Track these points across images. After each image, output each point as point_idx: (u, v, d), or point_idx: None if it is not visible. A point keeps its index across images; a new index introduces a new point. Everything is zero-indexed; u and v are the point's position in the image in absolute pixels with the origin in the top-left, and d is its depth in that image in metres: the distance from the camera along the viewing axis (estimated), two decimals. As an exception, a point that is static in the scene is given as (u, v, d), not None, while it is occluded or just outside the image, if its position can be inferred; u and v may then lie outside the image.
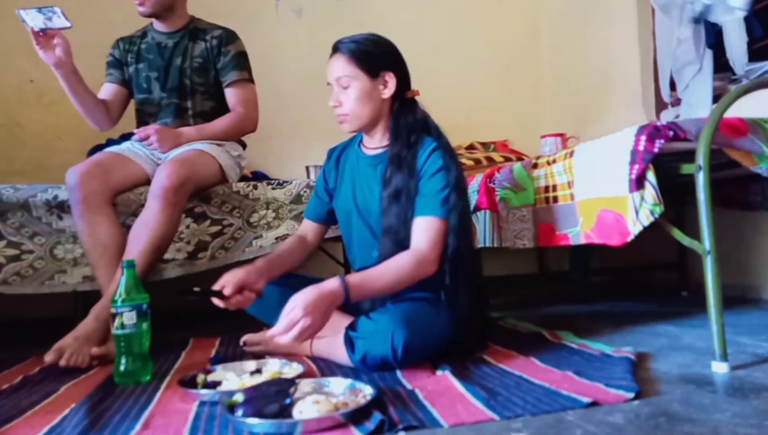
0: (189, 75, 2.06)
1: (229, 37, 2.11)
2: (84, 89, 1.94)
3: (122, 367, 1.32)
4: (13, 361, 1.59)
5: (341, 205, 1.58)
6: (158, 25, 2.10)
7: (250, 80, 2.12)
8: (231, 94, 2.09)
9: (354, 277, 1.29)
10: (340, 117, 1.48)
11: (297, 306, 1.19)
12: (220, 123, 2.04)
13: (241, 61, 2.10)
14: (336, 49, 1.46)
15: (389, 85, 1.45)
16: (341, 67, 1.44)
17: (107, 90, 2.10)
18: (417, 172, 1.41)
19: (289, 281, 1.51)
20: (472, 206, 1.98)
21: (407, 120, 1.46)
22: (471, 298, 1.47)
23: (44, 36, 1.75)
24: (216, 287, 1.35)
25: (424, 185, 1.39)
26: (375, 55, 1.45)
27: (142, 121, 2.10)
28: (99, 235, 1.74)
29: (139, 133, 1.93)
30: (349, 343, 1.28)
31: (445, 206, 1.36)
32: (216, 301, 1.36)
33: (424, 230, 1.35)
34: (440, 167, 1.39)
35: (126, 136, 2.16)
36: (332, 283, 1.25)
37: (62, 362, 1.45)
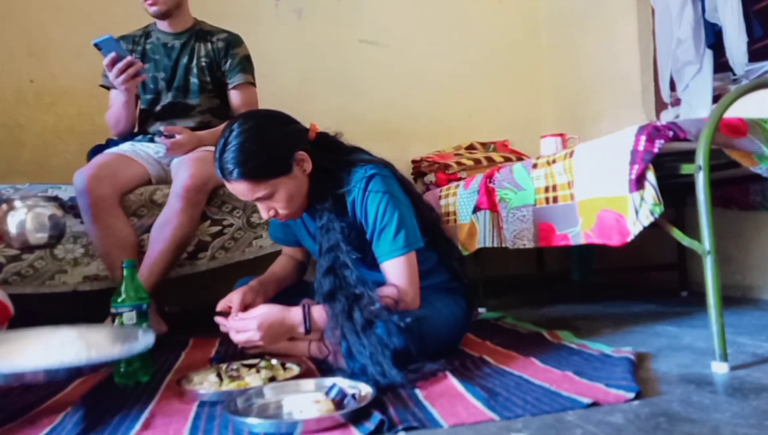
0: (196, 74, 2.09)
1: (236, 40, 2.16)
2: (134, 101, 2.03)
3: (122, 367, 1.32)
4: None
5: (305, 240, 1.54)
6: (163, 26, 2.10)
7: (254, 84, 2.16)
8: (235, 96, 2.12)
9: (318, 311, 1.26)
10: (282, 218, 1.35)
11: (254, 319, 1.25)
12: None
13: (247, 64, 2.15)
14: (230, 177, 1.25)
15: (305, 161, 1.31)
16: (251, 190, 1.26)
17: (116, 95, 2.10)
18: (353, 218, 1.32)
19: (289, 292, 1.55)
20: (472, 206, 1.99)
21: (321, 182, 1.34)
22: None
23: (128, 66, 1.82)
24: (220, 308, 1.38)
25: (375, 231, 1.30)
26: (274, 157, 1.26)
27: (147, 121, 2.11)
28: (115, 238, 1.78)
29: (168, 128, 1.94)
30: (348, 352, 1.24)
31: (400, 238, 1.28)
32: (220, 320, 1.37)
33: (394, 271, 1.29)
34: (379, 202, 1.29)
35: (126, 137, 2.16)
36: (296, 314, 1.27)
37: None
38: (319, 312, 1.26)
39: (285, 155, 1.28)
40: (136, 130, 2.13)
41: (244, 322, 1.28)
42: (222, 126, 2.03)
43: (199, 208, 1.84)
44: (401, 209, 1.31)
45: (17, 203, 1.30)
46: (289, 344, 1.42)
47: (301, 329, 1.25)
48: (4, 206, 1.31)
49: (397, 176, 1.40)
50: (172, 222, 1.77)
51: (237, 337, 1.29)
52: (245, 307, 1.40)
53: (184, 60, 2.08)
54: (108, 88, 2.09)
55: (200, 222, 1.91)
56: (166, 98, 2.09)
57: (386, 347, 1.16)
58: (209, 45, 2.11)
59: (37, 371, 0.94)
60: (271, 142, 1.26)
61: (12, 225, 1.27)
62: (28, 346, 1.07)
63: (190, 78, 2.09)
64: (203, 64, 2.10)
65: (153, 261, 1.77)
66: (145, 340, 1.12)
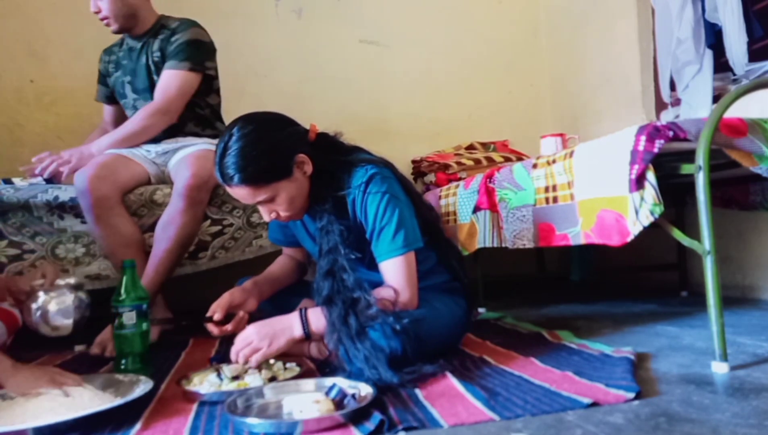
0: (154, 71, 2.02)
1: (183, 26, 2.00)
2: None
3: (122, 367, 1.32)
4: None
5: (305, 241, 1.54)
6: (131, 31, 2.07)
7: (191, 68, 1.95)
8: (158, 82, 1.98)
9: (315, 315, 1.26)
10: (284, 220, 1.35)
11: (249, 329, 1.25)
12: (130, 123, 1.97)
13: (187, 48, 1.95)
14: (231, 182, 1.25)
15: (305, 163, 1.30)
16: (252, 194, 1.26)
17: (105, 111, 2.24)
18: (353, 219, 1.32)
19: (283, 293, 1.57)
20: (472, 206, 1.99)
21: (322, 183, 1.33)
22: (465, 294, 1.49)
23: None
24: (208, 314, 1.39)
25: (375, 230, 1.30)
26: (275, 161, 1.26)
27: None
28: (119, 236, 1.79)
29: (34, 160, 1.88)
30: (346, 355, 1.24)
31: (400, 238, 1.28)
32: (210, 327, 1.39)
33: (392, 271, 1.29)
34: (379, 202, 1.28)
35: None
36: (289, 316, 1.27)
37: (107, 353, 1.61)
38: (316, 315, 1.26)
39: (285, 159, 1.28)
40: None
41: (240, 338, 1.25)
42: (121, 126, 1.98)
43: (201, 207, 1.85)
44: (401, 209, 1.31)
45: (41, 294, 1.38)
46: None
47: (299, 329, 1.25)
48: (30, 288, 1.39)
49: (397, 176, 1.39)
50: (176, 221, 1.78)
51: (251, 356, 1.23)
52: (235, 306, 1.42)
53: (143, 59, 2.03)
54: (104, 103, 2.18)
55: (203, 220, 1.91)
56: (135, 101, 2.06)
57: (381, 351, 1.15)
58: (159, 38, 2.01)
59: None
60: (271, 146, 1.26)
61: (37, 315, 1.37)
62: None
63: (153, 77, 2.02)
64: (156, 59, 2.01)
65: (159, 260, 1.78)
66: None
